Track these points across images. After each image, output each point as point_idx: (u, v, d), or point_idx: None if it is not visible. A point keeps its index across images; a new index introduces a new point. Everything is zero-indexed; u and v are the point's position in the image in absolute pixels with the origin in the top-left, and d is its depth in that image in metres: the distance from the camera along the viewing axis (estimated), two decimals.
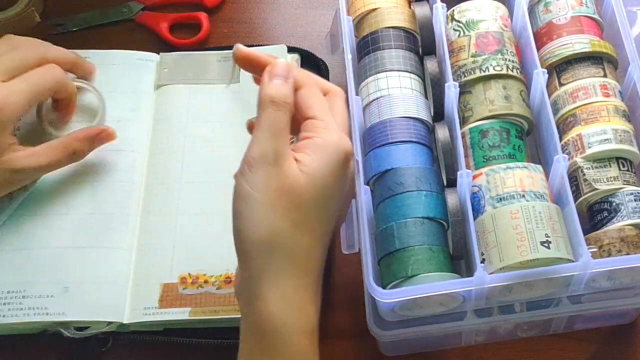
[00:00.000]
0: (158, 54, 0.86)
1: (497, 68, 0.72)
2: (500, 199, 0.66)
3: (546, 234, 0.63)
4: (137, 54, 0.86)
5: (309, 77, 0.63)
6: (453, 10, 0.77)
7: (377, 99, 0.73)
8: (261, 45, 0.86)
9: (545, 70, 0.71)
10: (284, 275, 0.55)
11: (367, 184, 0.70)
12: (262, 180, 0.56)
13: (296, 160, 0.58)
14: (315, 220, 0.57)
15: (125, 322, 0.73)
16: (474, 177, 0.68)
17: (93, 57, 0.85)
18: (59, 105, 0.80)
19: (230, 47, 0.86)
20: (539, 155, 0.76)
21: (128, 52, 0.86)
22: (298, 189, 0.56)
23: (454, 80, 0.72)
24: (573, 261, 0.63)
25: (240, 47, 0.64)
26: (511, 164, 0.67)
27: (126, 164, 0.80)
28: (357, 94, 0.73)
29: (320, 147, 0.58)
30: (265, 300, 0.54)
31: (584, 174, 0.69)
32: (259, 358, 0.54)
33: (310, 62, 0.86)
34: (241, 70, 0.83)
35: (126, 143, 0.81)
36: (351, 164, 0.62)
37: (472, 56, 0.73)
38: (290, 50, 0.86)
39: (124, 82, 0.84)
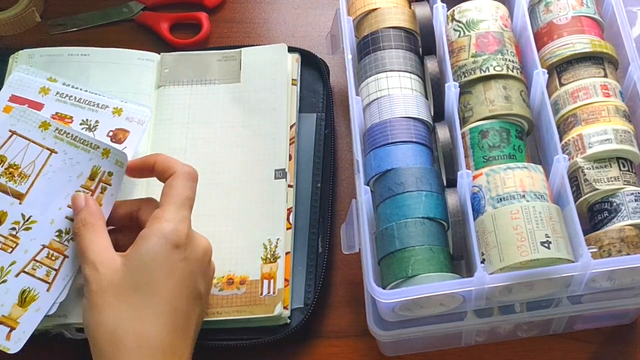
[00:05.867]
0: (158, 54, 0.86)
1: (498, 68, 0.72)
2: (501, 199, 0.66)
3: (546, 234, 0.63)
4: (138, 54, 0.85)
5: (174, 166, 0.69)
6: (453, 11, 0.76)
7: (377, 99, 0.73)
8: (261, 46, 0.86)
9: (546, 71, 0.71)
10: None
11: (367, 184, 0.70)
12: (86, 287, 0.65)
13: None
14: (146, 303, 0.64)
15: None
16: (474, 177, 0.68)
17: (93, 55, 0.85)
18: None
19: (231, 47, 0.87)
20: (539, 155, 0.76)
21: (128, 51, 0.85)
22: (116, 283, 0.64)
23: (454, 80, 0.72)
24: (573, 261, 0.63)
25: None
26: (511, 164, 0.67)
27: None
28: (357, 94, 0.73)
29: (145, 238, 0.65)
30: None
31: (585, 174, 0.69)
32: None
33: (310, 62, 0.86)
34: (242, 70, 0.84)
35: (127, 143, 0.80)
36: (186, 250, 0.66)
37: (472, 56, 0.73)
38: (291, 50, 0.85)
39: (124, 82, 0.84)
